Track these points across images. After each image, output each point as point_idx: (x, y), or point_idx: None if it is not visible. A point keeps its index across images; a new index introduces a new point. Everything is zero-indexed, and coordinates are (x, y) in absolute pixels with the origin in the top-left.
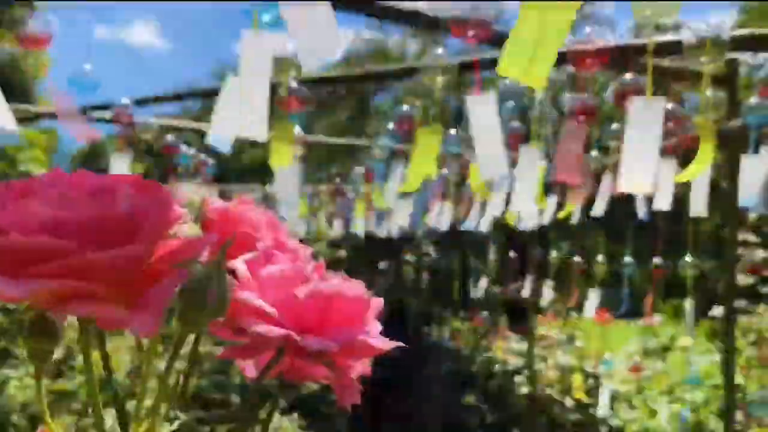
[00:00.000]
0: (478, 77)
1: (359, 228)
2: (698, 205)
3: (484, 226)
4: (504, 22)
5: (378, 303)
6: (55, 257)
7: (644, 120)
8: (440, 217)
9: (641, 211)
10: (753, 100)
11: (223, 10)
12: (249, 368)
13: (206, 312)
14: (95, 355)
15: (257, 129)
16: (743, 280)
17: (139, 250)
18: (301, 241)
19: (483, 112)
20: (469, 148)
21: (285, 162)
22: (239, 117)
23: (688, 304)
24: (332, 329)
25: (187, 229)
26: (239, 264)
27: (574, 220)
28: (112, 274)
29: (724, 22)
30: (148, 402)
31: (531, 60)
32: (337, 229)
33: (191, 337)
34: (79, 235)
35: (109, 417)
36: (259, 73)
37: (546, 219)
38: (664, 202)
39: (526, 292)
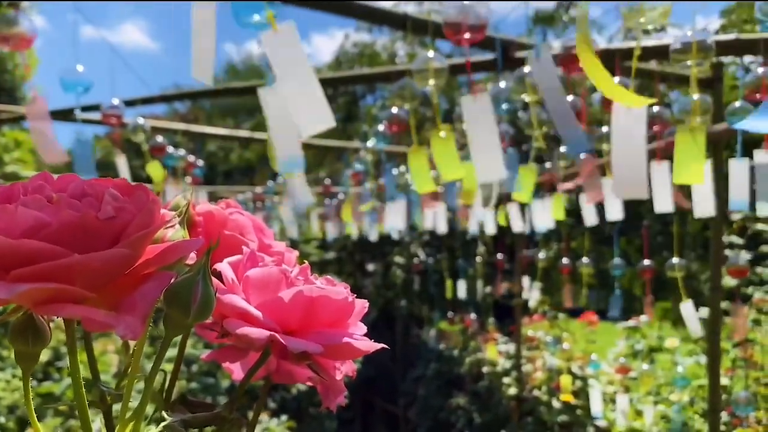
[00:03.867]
0: (472, 79)
1: (351, 230)
2: (704, 206)
3: (489, 228)
4: (493, 26)
5: (362, 305)
6: (41, 260)
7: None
8: (437, 220)
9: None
10: (737, 103)
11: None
12: (237, 371)
13: (191, 314)
14: (82, 356)
15: (325, 116)
16: (727, 282)
17: (124, 254)
18: (291, 242)
19: (480, 113)
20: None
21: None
22: (303, 117)
23: (688, 305)
24: (316, 331)
25: (173, 232)
26: (225, 267)
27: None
28: (97, 277)
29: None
30: (133, 403)
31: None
32: (327, 231)
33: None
34: (65, 238)
35: (96, 419)
36: (297, 64)
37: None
38: (665, 206)
39: (514, 293)
